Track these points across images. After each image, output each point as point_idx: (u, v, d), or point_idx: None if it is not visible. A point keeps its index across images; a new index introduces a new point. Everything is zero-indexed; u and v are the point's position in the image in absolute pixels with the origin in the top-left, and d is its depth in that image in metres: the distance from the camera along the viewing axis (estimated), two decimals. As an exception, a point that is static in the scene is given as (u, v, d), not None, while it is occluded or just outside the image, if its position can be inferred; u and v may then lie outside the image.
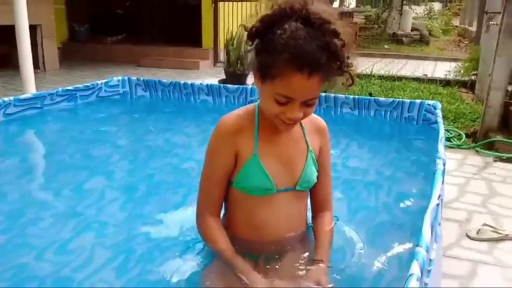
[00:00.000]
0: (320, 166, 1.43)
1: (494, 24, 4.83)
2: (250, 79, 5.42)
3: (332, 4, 10.69)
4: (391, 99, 3.22)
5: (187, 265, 1.44)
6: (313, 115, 1.43)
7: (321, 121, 1.47)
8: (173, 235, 1.66)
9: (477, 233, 2.31)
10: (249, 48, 1.28)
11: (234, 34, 5.83)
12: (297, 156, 1.38)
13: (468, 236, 2.31)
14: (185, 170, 2.45)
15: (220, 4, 8.02)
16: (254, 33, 1.24)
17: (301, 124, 1.40)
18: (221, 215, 1.45)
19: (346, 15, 12.15)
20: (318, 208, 1.50)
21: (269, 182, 1.33)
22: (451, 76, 6.76)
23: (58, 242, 1.68)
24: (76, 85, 3.55)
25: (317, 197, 1.49)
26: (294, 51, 1.14)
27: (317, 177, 1.42)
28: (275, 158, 1.35)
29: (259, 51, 1.23)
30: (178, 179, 2.36)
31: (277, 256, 1.39)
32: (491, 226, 2.35)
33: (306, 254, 1.40)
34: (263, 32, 1.21)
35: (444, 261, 1.99)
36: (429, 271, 1.22)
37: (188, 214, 1.86)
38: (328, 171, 1.49)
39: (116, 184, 2.33)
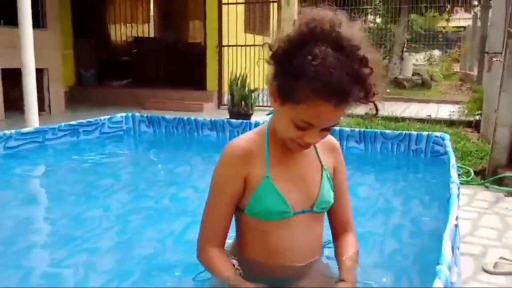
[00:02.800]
0: (337, 187, 1.37)
1: (497, 60, 4.86)
2: (255, 118, 5.42)
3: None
4: (398, 132, 3.18)
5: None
6: None
7: (333, 140, 1.41)
8: (172, 261, 1.61)
9: (494, 266, 2.20)
10: (269, 65, 1.20)
11: (238, 75, 5.90)
12: (312, 175, 1.31)
13: (484, 270, 2.19)
14: (185, 199, 2.39)
15: (225, 49, 8.18)
16: (280, 53, 1.15)
17: None
18: (232, 239, 1.37)
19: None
20: (339, 231, 1.42)
21: (284, 205, 1.25)
22: (455, 117, 6.75)
23: (53, 267, 1.63)
24: (79, 120, 3.54)
25: (338, 219, 1.41)
26: (325, 80, 1.07)
27: (334, 198, 1.35)
28: (288, 179, 1.27)
29: (283, 73, 1.15)
30: (178, 209, 2.30)
31: (294, 280, 1.30)
32: (507, 260, 2.24)
33: (324, 276, 1.33)
34: (291, 54, 1.13)
35: (462, 295, 1.88)
36: (451, 294, 1.13)
37: (186, 241, 1.80)
38: (345, 191, 1.42)
39: (115, 215, 2.26)
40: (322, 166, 1.33)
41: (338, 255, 1.38)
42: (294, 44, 1.13)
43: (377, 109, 1.18)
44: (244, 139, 1.31)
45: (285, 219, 1.26)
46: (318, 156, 1.34)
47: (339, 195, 1.37)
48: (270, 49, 1.18)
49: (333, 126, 1.19)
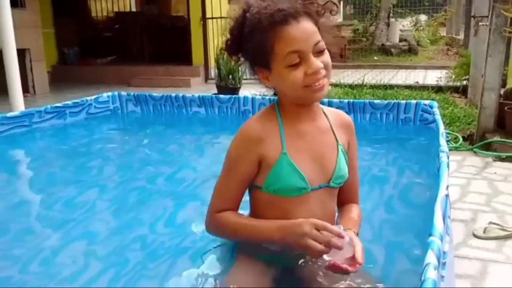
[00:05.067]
0: (348, 163, 1.37)
1: (483, 25, 4.84)
2: (243, 92, 5.38)
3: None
4: (386, 101, 3.18)
5: (183, 274, 1.37)
6: (338, 110, 1.44)
7: (347, 116, 1.43)
8: (166, 242, 1.60)
9: (484, 232, 2.25)
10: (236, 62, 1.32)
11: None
12: (328, 150, 1.32)
13: (475, 235, 2.24)
14: (178, 179, 2.38)
15: (209, 21, 8.04)
16: (232, 44, 1.27)
17: (326, 116, 1.35)
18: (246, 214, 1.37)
19: (335, 28, 12.26)
20: (345, 201, 1.44)
21: (302, 181, 1.25)
22: (442, 82, 6.77)
23: (47, 252, 1.62)
24: (65, 102, 3.48)
25: (346, 194, 1.42)
26: (273, 13, 1.17)
27: None
28: (305, 154, 1.28)
29: (249, 51, 1.25)
30: (172, 189, 2.29)
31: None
32: (497, 224, 2.28)
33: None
34: (238, 35, 1.24)
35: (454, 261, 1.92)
36: (444, 263, 1.15)
37: (182, 222, 1.81)
38: (356, 168, 1.44)
39: (107, 196, 2.25)
40: (337, 141, 1.34)
41: (342, 212, 1.40)
42: (235, 28, 1.26)
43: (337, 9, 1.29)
44: (258, 119, 1.31)
45: (303, 195, 1.27)
46: (332, 130, 1.34)
47: (349, 171, 1.37)
48: (223, 49, 1.31)
49: (320, 44, 1.21)
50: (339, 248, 1.13)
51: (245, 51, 1.27)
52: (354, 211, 1.40)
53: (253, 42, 1.21)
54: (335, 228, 1.15)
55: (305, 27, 1.19)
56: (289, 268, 1.29)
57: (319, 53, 1.21)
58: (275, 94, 1.34)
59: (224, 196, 1.31)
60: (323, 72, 1.21)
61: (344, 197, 1.42)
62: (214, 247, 1.45)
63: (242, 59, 1.30)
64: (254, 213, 1.36)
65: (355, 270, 1.15)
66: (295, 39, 1.17)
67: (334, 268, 1.15)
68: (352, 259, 1.15)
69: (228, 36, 1.28)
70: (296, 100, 1.27)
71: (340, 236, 1.14)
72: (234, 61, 1.33)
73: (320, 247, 1.13)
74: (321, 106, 1.37)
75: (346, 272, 1.15)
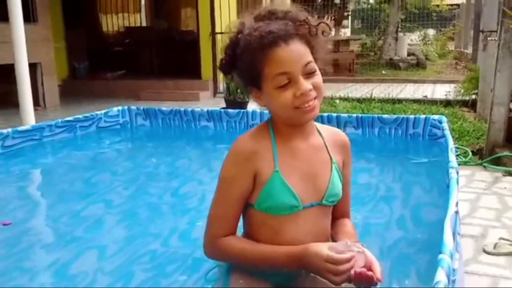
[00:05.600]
0: (343, 179, 1.37)
1: (492, 40, 4.84)
2: (251, 106, 5.40)
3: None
4: (395, 116, 3.18)
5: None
6: (334, 128, 1.43)
7: (343, 135, 1.42)
8: (175, 256, 1.61)
9: (494, 247, 2.22)
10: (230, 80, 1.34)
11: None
12: (321, 168, 1.31)
13: (485, 251, 2.21)
14: (187, 193, 2.39)
15: (218, 36, 8.12)
16: (226, 63, 1.29)
17: (320, 134, 1.35)
18: (240, 235, 1.36)
19: (343, 43, 12.32)
20: (338, 216, 1.43)
21: (294, 199, 1.25)
22: (451, 97, 6.76)
23: (57, 266, 1.62)
24: (76, 116, 3.52)
25: (338, 210, 1.42)
26: (263, 35, 1.18)
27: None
28: (297, 172, 1.28)
29: (241, 71, 1.27)
30: (180, 203, 2.30)
31: (302, 275, 1.29)
32: (508, 240, 2.26)
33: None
34: (232, 55, 1.27)
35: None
36: (453, 281, 1.14)
37: (190, 236, 1.81)
38: (348, 185, 1.44)
39: (116, 209, 2.25)
40: (331, 159, 1.33)
41: (337, 227, 1.39)
42: (229, 48, 1.28)
43: (330, 28, 1.29)
44: (251, 136, 1.31)
45: (295, 213, 1.26)
46: (326, 148, 1.34)
47: (343, 188, 1.37)
48: (219, 69, 1.33)
49: (310, 64, 1.21)
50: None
51: (238, 70, 1.29)
52: (348, 225, 1.41)
53: (244, 63, 1.24)
54: (343, 257, 1.13)
55: (295, 49, 1.20)
56: (287, 282, 1.29)
57: (309, 74, 1.21)
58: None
59: (222, 220, 1.28)
60: (313, 93, 1.21)
61: (336, 212, 1.42)
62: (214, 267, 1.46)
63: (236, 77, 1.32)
64: (247, 231, 1.36)
65: (379, 276, 1.13)
66: (283, 61, 1.18)
67: (360, 277, 1.13)
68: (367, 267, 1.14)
69: (223, 55, 1.30)
70: (288, 121, 1.27)
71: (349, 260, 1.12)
72: (228, 80, 1.37)
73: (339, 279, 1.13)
74: (316, 124, 1.37)
75: (371, 280, 1.13)
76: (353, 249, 1.14)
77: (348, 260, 1.12)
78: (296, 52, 1.20)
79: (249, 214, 1.32)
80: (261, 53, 1.19)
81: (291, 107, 1.20)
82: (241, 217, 1.34)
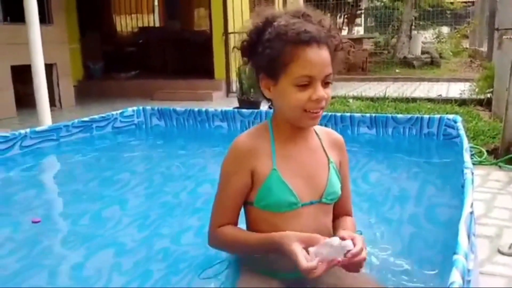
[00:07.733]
0: (341, 178, 1.40)
1: (508, 38, 4.79)
2: (264, 105, 5.42)
3: (340, 32, 10.82)
4: (409, 115, 3.17)
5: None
6: (329, 129, 1.47)
7: (338, 135, 1.46)
8: (191, 256, 1.63)
9: (510, 248, 2.20)
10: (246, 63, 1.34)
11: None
12: (318, 168, 1.35)
13: (500, 252, 2.20)
14: (202, 193, 2.41)
15: (231, 36, 8.14)
16: (248, 45, 1.30)
17: (317, 135, 1.39)
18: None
19: (356, 41, 12.26)
20: (339, 214, 1.45)
21: (292, 196, 1.28)
22: (466, 95, 6.69)
23: (74, 265, 1.65)
24: (92, 116, 3.57)
25: (339, 205, 1.44)
26: (301, 31, 1.20)
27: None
28: (295, 171, 1.31)
29: (261, 57, 1.26)
30: (196, 203, 2.32)
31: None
32: (523, 241, 2.24)
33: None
34: (256, 40, 1.27)
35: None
36: (468, 281, 1.14)
37: (204, 235, 1.82)
38: (347, 184, 1.46)
39: (132, 209, 2.28)
40: (328, 158, 1.37)
41: (337, 225, 1.41)
42: (255, 33, 1.29)
43: (349, 54, 1.34)
44: (250, 135, 1.35)
45: (294, 210, 1.30)
46: (323, 148, 1.38)
47: (342, 187, 1.39)
48: (237, 48, 1.33)
49: (330, 76, 1.25)
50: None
51: (257, 56, 1.29)
52: (348, 222, 1.43)
53: (269, 50, 1.23)
54: (309, 265, 1.12)
55: (324, 56, 1.23)
56: (294, 281, 1.30)
57: (326, 84, 1.25)
58: (270, 107, 1.38)
59: (222, 211, 1.35)
60: (324, 103, 1.25)
61: (337, 210, 1.44)
62: (218, 262, 1.50)
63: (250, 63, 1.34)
64: (249, 229, 1.39)
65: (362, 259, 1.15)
66: (312, 63, 1.21)
67: (343, 267, 1.16)
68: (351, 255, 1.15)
69: (246, 37, 1.31)
70: (291, 119, 1.30)
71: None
72: (243, 62, 1.36)
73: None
74: None
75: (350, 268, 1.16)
76: (333, 244, 1.14)
77: (312, 269, 1.11)
78: (325, 59, 1.23)
79: (249, 212, 1.36)
80: (293, 47, 1.20)
81: (301, 108, 1.23)
82: (244, 216, 1.39)
